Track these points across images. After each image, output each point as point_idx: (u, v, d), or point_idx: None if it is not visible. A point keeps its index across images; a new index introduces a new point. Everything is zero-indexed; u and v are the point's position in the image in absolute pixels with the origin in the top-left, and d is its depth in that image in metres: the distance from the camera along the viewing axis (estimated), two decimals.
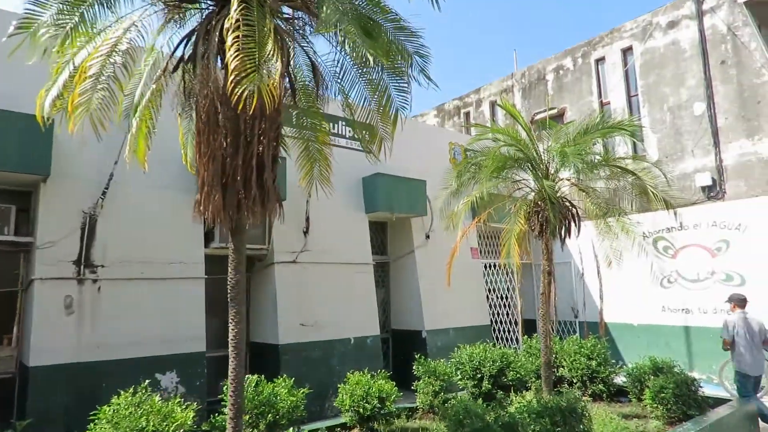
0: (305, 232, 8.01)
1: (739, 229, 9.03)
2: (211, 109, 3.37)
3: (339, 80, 4.10)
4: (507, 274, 10.51)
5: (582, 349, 7.21)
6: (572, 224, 6.18)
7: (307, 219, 8.04)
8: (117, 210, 6.27)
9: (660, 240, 10.09)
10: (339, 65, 4.06)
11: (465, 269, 10.36)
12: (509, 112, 6.28)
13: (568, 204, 6.19)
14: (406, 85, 3.77)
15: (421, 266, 9.69)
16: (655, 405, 5.68)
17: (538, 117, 13.08)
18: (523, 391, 6.43)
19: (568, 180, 6.47)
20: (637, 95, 11.19)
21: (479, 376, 6.62)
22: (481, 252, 11.65)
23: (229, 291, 3.72)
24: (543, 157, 6.15)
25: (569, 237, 6.35)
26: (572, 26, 42.15)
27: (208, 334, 7.19)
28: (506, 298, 10.51)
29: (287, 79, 3.78)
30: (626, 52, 11.52)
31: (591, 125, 6.09)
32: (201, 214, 3.49)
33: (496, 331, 10.52)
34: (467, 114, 15.13)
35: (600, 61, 12.01)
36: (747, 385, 6.42)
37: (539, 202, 6.05)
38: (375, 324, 8.65)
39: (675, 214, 6.67)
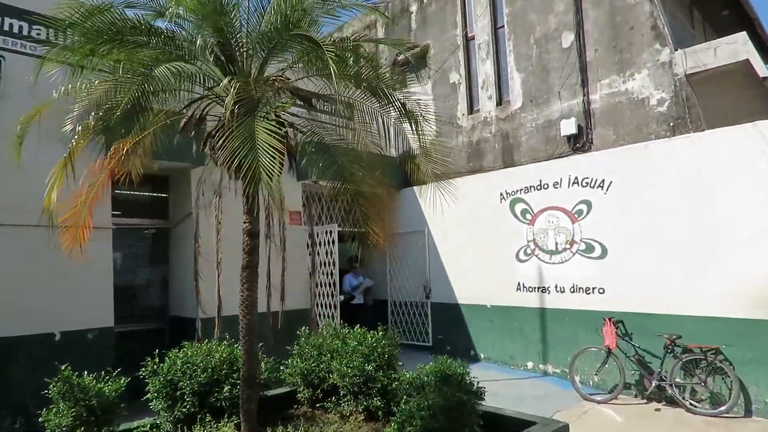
0: None
1: (602, 187, 7.18)
2: None
3: None
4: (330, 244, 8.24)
5: (361, 346, 5.07)
6: (277, 154, 3.84)
7: None
8: None
9: (518, 202, 8.15)
10: None
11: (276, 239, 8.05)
12: None
13: (272, 122, 3.86)
14: None
15: (202, 235, 7.27)
16: None
17: (400, 57, 10.83)
18: (229, 418, 4.18)
19: (275, 78, 4.08)
20: (503, 27, 9.12)
21: (178, 393, 4.32)
22: (320, 218, 9.40)
23: None
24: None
25: (273, 176, 4.08)
26: None
27: None
28: (333, 274, 8.28)
29: None
30: None
31: None
32: None
33: (323, 317, 8.34)
34: None
35: None
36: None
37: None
38: (107, 311, 6.20)
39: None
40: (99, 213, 6.30)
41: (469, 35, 9.64)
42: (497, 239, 8.34)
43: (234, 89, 3.13)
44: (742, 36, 6.35)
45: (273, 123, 2.98)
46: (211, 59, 3.64)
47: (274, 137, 2.86)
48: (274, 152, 2.78)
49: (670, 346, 6.21)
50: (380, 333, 5.31)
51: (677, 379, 6.21)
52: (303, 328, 5.79)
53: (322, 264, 8.28)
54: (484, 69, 9.29)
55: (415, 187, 9.76)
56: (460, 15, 9.71)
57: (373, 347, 5.09)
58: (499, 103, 9.10)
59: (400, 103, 4.27)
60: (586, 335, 7.19)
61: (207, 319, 7.17)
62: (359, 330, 5.50)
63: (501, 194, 8.33)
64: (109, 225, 6.39)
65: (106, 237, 6.30)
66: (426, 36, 10.34)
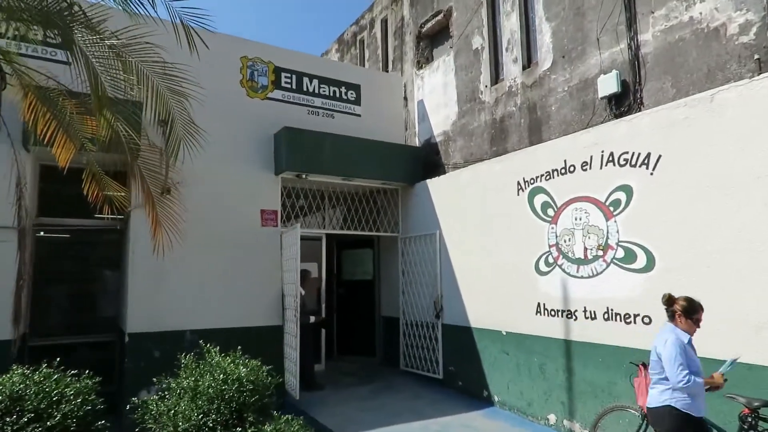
0: None
1: (647, 165, 4.79)
2: None
3: None
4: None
5: (210, 389, 3.57)
6: None
7: None
8: None
9: (538, 193, 5.97)
10: None
11: (237, 242, 6.88)
12: None
13: None
14: None
15: (141, 236, 6.31)
16: None
17: (425, 29, 9.13)
18: None
19: None
20: None
21: None
22: (292, 218, 8.05)
23: None
24: None
25: None
26: None
27: None
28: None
29: None
30: None
31: None
32: None
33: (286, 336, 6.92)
34: (362, 42, 11.35)
35: None
36: None
37: None
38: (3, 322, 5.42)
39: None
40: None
41: None
42: (513, 244, 6.23)
43: None
44: None
45: None
46: None
47: None
48: None
49: (749, 419, 3.72)
50: (244, 368, 3.78)
51: None
52: (186, 354, 4.44)
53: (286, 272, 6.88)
54: (509, 25, 7.22)
55: (428, 181, 7.96)
56: None
57: (220, 391, 3.56)
58: (527, 65, 6.97)
59: None
60: (625, 384, 4.84)
61: (145, 334, 6.24)
62: (229, 361, 4.01)
63: (518, 183, 6.22)
64: (12, 224, 5.66)
65: (7, 237, 5.58)
66: (448, 0, 8.51)
